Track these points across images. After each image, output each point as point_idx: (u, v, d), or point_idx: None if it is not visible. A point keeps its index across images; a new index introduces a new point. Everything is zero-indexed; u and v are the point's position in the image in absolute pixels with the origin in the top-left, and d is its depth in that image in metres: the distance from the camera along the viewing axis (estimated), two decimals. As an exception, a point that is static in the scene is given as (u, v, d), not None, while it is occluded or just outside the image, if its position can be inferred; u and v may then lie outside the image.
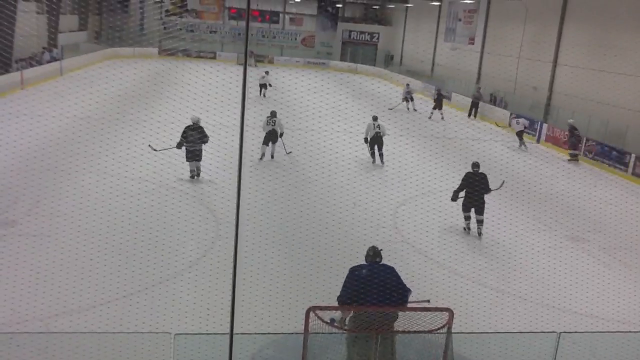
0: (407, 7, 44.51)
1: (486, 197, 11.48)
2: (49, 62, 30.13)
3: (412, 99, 27.98)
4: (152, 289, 8.24)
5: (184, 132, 13.56)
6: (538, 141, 22.96)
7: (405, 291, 5.94)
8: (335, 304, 5.88)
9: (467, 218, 11.66)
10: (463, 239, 11.30)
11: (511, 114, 25.03)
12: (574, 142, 20.04)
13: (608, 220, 13.28)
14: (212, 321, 7.02)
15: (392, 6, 47.50)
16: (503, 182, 12.35)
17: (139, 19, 44.06)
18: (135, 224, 10.36)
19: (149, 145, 13.74)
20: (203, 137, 13.52)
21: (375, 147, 16.68)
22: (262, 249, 9.87)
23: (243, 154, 5.24)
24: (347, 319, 5.83)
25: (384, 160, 16.67)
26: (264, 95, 28.55)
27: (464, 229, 11.76)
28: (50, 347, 5.79)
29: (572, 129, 20.03)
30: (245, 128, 5.20)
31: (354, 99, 29.03)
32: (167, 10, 46.75)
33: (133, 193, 12.10)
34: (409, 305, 5.95)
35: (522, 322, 8.10)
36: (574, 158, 19.92)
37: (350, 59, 48.12)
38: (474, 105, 27.97)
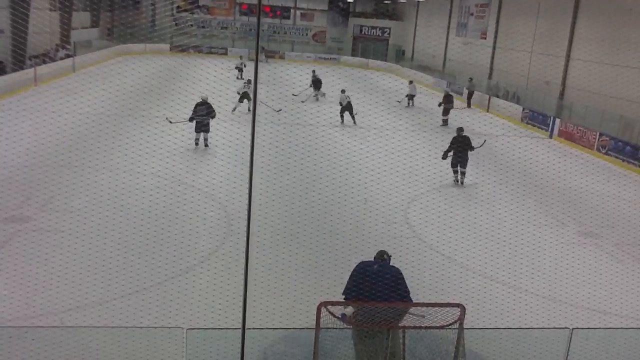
0: (419, 1, 44.28)
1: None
2: (62, 59, 30.35)
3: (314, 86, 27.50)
4: (164, 284, 8.30)
5: (195, 107, 15.81)
6: (551, 136, 22.78)
7: (406, 294, 5.83)
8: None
9: (455, 172, 14.46)
10: (475, 234, 11.27)
11: (410, 82, 28.15)
12: (446, 109, 23.27)
13: (621, 216, 13.18)
14: (224, 316, 7.07)
15: (403, 1, 47.30)
16: (485, 140, 15.06)
17: (150, 15, 44.26)
18: (148, 220, 10.45)
19: (166, 118, 16.36)
20: (210, 112, 15.80)
21: (347, 112, 20.89)
22: (274, 244, 9.90)
23: (255, 151, 5.25)
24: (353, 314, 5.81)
25: (356, 121, 21.05)
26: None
27: (455, 181, 14.44)
28: (65, 341, 5.85)
29: (449, 96, 23.72)
30: (257, 124, 5.22)
31: (365, 94, 28.97)
32: (178, 7, 46.91)
33: (145, 189, 12.18)
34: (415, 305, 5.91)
35: (534, 317, 8.07)
36: (444, 124, 22.99)
37: (361, 54, 47.98)
38: (469, 96, 29.33)
